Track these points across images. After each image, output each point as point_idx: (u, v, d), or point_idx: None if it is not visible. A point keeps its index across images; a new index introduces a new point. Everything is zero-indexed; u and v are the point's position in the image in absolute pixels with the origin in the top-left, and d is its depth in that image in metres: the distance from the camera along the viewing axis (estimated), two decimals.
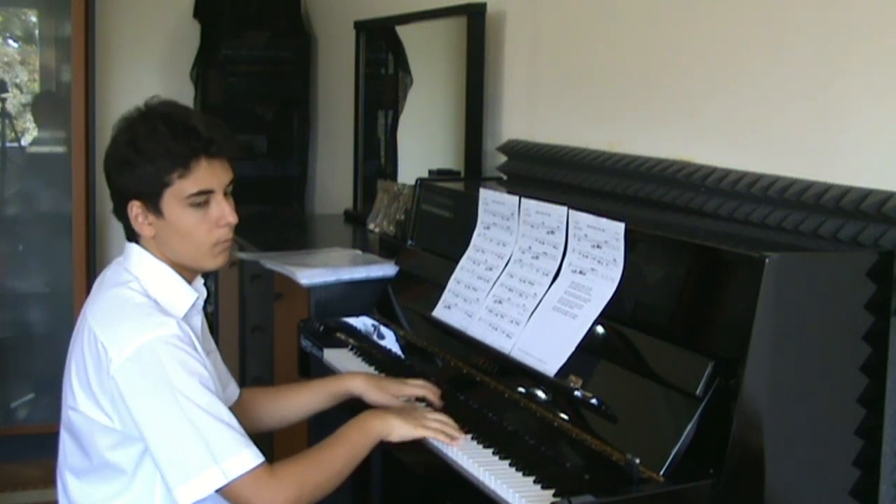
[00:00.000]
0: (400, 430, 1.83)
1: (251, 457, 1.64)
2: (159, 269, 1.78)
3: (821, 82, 1.94)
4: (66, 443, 1.80)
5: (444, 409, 2.00)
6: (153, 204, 1.74)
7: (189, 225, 1.75)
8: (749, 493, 1.60)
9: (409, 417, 1.87)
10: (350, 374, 2.18)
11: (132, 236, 1.81)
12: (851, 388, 1.66)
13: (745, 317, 1.56)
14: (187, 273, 1.82)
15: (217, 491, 1.63)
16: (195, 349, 1.70)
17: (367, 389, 2.06)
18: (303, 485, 1.68)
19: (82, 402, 1.71)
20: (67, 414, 1.77)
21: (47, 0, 4.36)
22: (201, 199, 1.74)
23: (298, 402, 2.08)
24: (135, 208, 1.75)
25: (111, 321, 1.70)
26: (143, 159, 1.71)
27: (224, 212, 1.76)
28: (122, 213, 1.79)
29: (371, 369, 2.32)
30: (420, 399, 2.07)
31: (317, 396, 2.08)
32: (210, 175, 1.74)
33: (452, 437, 1.85)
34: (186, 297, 1.80)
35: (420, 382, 2.09)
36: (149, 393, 1.63)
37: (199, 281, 1.88)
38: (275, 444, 3.00)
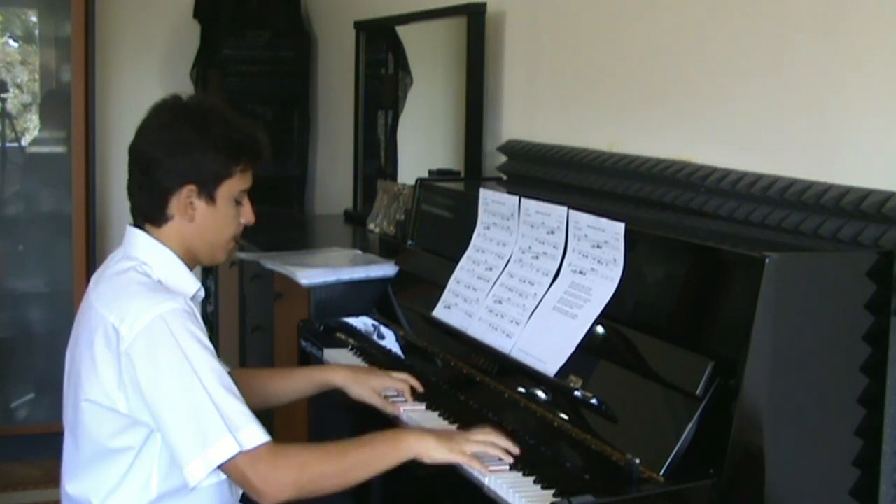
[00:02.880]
0: (435, 452, 1.73)
1: (260, 433, 1.64)
2: (165, 255, 1.80)
3: (821, 82, 1.94)
4: (66, 441, 1.80)
5: (445, 409, 2.01)
6: (209, 190, 1.79)
7: (228, 217, 1.83)
8: (749, 493, 1.60)
9: (448, 441, 1.76)
10: (335, 365, 2.22)
11: (151, 219, 1.80)
12: (851, 388, 1.65)
13: (745, 317, 1.56)
14: (189, 263, 1.85)
15: (221, 464, 1.61)
16: (201, 326, 1.72)
17: (349, 384, 2.08)
18: (302, 469, 1.65)
19: (88, 387, 1.70)
20: (69, 408, 1.77)
21: (47, 0, 4.36)
22: (243, 197, 1.85)
23: (283, 386, 2.12)
24: (187, 191, 1.78)
25: (119, 301, 1.70)
26: (212, 146, 1.77)
27: (249, 212, 1.87)
28: (160, 195, 1.78)
29: None
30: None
31: (300, 384, 2.13)
32: (251, 177, 1.86)
33: (497, 460, 1.74)
34: (191, 283, 1.82)
35: (403, 376, 2.10)
36: (162, 364, 1.64)
37: (196, 274, 1.90)
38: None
